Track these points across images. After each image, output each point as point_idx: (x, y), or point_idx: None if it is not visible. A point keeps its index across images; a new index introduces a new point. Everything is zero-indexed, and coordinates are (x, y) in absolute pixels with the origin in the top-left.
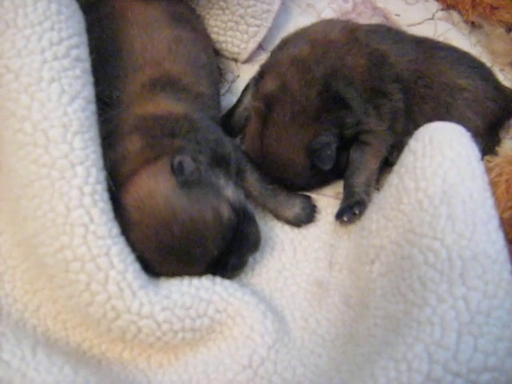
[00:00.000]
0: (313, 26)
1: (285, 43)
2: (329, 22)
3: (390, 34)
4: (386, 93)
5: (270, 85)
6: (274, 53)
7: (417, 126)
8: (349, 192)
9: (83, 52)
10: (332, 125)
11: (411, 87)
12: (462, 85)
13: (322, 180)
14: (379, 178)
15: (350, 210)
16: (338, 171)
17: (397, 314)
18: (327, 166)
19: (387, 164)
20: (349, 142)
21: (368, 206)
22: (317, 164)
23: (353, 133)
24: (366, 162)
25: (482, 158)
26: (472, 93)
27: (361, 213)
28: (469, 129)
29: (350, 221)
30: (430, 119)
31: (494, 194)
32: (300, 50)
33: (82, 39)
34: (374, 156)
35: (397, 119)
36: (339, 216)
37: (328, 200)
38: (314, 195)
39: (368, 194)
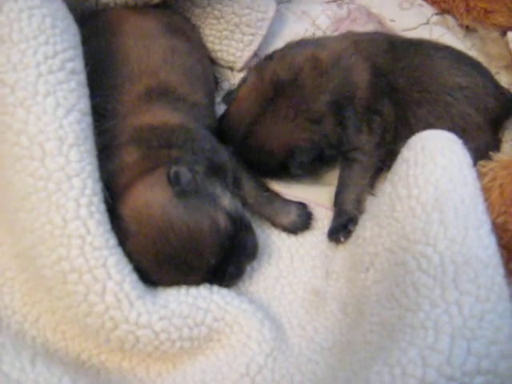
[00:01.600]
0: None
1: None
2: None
3: (384, 42)
4: (378, 110)
5: (281, 71)
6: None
7: (411, 131)
8: (340, 210)
9: (78, 65)
10: (322, 136)
11: (406, 94)
12: (461, 83)
13: (284, 175)
14: (374, 185)
15: (345, 228)
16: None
17: (391, 320)
18: (297, 173)
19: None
20: (324, 157)
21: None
22: (289, 166)
23: (330, 153)
24: (355, 178)
25: (475, 164)
26: (472, 90)
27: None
28: (470, 125)
29: (346, 239)
30: (426, 122)
31: (487, 198)
32: (317, 50)
33: (77, 52)
34: (363, 172)
35: (387, 131)
36: (334, 234)
37: (326, 211)
38: (310, 204)
39: (359, 210)
